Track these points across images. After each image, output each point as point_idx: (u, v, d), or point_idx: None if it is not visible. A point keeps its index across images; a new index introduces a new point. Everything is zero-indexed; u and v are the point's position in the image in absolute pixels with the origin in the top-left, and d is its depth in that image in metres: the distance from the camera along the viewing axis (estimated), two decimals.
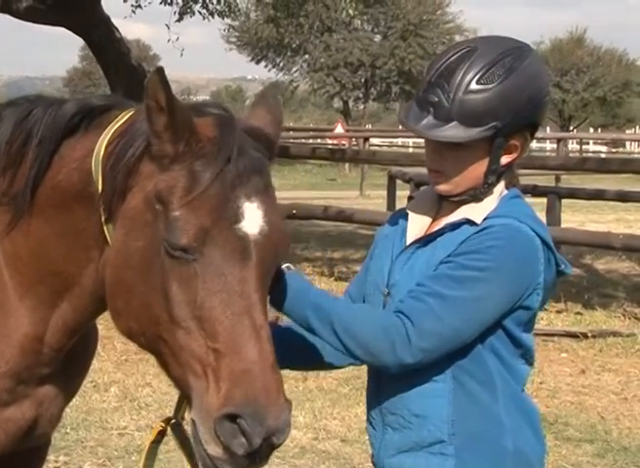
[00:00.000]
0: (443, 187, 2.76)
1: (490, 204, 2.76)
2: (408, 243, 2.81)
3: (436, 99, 2.68)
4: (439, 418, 2.71)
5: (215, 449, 2.38)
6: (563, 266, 2.77)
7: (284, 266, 2.70)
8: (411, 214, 2.87)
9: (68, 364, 3.01)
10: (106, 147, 2.63)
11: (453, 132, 2.66)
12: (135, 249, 2.51)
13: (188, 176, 2.47)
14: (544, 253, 2.70)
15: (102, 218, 2.61)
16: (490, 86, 2.65)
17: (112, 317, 2.63)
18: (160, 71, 2.43)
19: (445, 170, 2.73)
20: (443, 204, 2.83)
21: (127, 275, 2.53)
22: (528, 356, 2.79)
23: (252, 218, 2.47)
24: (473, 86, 2.65)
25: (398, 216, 2.94)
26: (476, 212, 2.74)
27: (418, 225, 2.84)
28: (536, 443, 2.80)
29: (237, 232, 2.44)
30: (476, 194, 2.75)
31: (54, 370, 2.96)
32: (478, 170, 2.72)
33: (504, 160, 2.75)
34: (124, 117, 2.68)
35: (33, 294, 2.85)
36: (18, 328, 2.87)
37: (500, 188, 2.79)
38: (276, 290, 2.64)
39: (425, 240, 2.78)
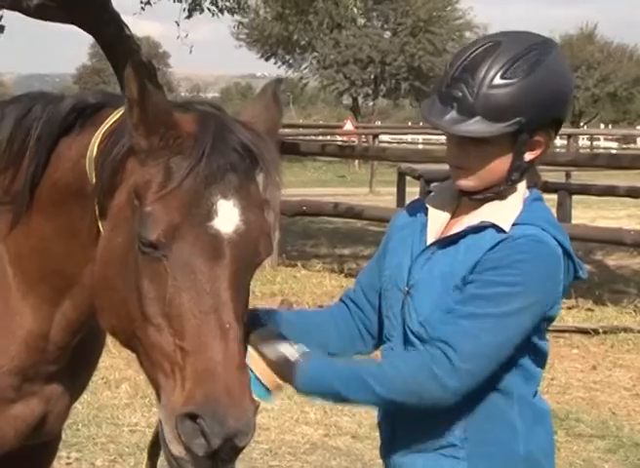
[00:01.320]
0: (465, 183, 2.72)
1: (515, 206, 2.72)
2: (429, 242, 2.77)
3: (460, 94, 2.64)
4: (452, 423, 2.69)
5: (177, 449, 2.34)
6: (581, 272, 2.75)
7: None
8: (430, 210, 2.83)
9: (75, 361, 3.02)
10: (98, 147, 2.63)
11: (476, 127, 2.62)
12: (116, 245, 2.50)
13: (163, 172, 2.44)
14: (564, 262, 2.68)
15: (97, 217, 2.61)
16: (514, 80, 2.61)
17: (98, 314, 2.62)
18: (134, 64, 2.41)
19: (468, 165, 2.69)
20: (462, 199, 2.79)
21: (109, 272, 2.52)
22: (543, 360, 2.78)
23: (226, 217, 2.42)
24: (497, 80, 2.61)
25: (416, 209, 2.90)
26: (501, 215, 2.69)
27: (437, 222, 2.80)
28: (546, 441, 2.79)
29: (209, 230, 2.40)
30: (499, 191, 2.71)
31: (60, 368, 2.97)
32: (502, 166, 2.68)
33: (528, 156, 2.70)
34: (116, 116, 2.66)
35: (36, 293, 2.86)
36: (22, 325, 2.88)
37: (523, 188, 2.75)
38: (297, 376, 2.59)
39: (447, 241, 2.74)
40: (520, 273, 2.59)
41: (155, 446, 2.64)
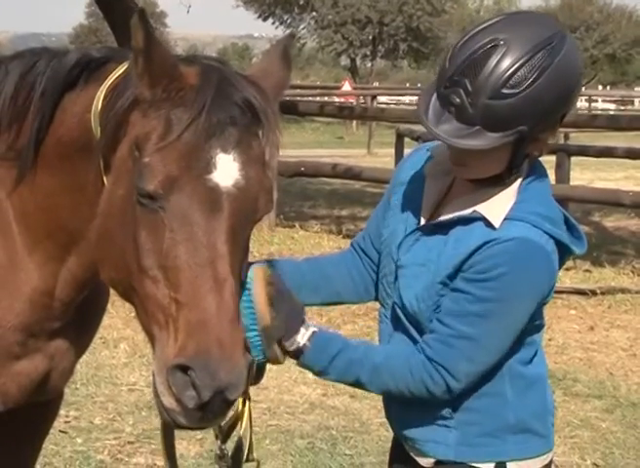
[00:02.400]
0: (465, 176, 2.65)
1: (508, 196, 2.62)
2: (422, 220, 2.72)
3: (458, 101, 2.50)
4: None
5: (169, 401, 2.33)
6: (578, 250, 2.67)
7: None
8: (428, 182, 2.76)
9: (79, 318, 3.02)
10: (103, 101, 2.61)
11: (475, 140, 2.50)
12: (116, 197, 2.49)
13: (164, 124, 2.41)
14: (558, 253, 2.62)
15: (102, 172, 2.59)
16: (517, 90, 2.46)
17: (98, 266, 2.61)
18: (141, 13, 2.38)
19: (467, 164, 2.60)
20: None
21: (109, 224, 2.51)
22: (540, 328, 2.77)
23: (225, 170, 2.39)
24: (499, 90, 2.46)
25: (419, 168, 2.81)
26: (493, 207, 2.60)
27: (433, 195, 2.74)
28: (539, 405, 2.79)
29: (207, 182, 2.37)
30: (499, 182, 2.62)
31: (65, 324, 2.97)
32: (502, 164, 2.59)
33: (534, 150, 2.63)
34: (120, 70, 2.64)
35: (42, 249, 2.85)
36: (27, 282, 2.87)
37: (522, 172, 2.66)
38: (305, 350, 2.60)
39: (435, 226, 2.68)
40: (505, 286, 2.54)
41: (167, 429, 2.67)
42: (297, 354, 2.60)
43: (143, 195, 2.38)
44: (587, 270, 10.86)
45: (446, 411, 2.71)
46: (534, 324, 2.70)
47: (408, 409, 2.75)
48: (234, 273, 2.38)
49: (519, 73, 2.46)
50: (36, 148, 2.75)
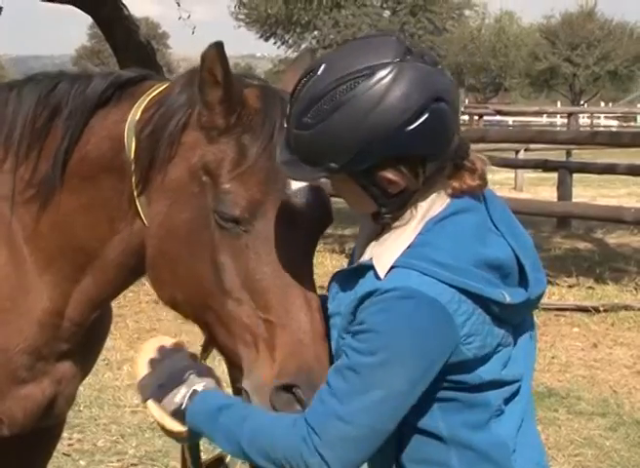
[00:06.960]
0: (351, 208, 2.42)
1: (402, 240, 2.31)
2: (355, 261, 2.45)
3: (285, 128, 2.35)
4: (384, 466, 2.41)
5: None
6: (509, 299, 2.28)
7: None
8: (361, 223, 2.55)
9: (86, 341, 3.01)
10: (142, 113, 2.63)
11: (295, 170, 2.31)
12: (180, 221, 2.53)
13: (236, 150, 2.49)
14: (468, 301, 2.24)
15: (134, 189, 2.61)
16: (314, 122, 2.23)
17: (154, 287, 2.65)
18: (219, 46, 2.43)
19: (336, 193, 2.42)
20: None
21: (171, 246, 2.55)
22: (493, 384, 2.35)
23: (298, 190, 2.50)
24: (301, 120, 2.26)
25: None
26: (383, 253, 2.31)
27: (363, 238, 2.49)
28: None
29: (287, 204, 2.47)
30: (381, 220, 2.35)
31: (72, 347, 2.96)
32: (362, 197, 2.32)
33: (391, 190, 2.28)
34: (160, 87, 2.68)
35: (54, 270, 2.84)
36: (37, 304, 2.85)
37: (420, 212, 2.33)
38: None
39: (345, 274, 2.43)
40: (382, 341, 2.20)
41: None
42: (181, 416, 2.39)
43: (227, 219, 2.46)
44: (590, 287, 10.84)
45: None
46: (472, 377, 2.31)
47: None
48: (315, 287, 2.47)
49: (319, 104, 2.24)
50: (62, 171, 2.74)
